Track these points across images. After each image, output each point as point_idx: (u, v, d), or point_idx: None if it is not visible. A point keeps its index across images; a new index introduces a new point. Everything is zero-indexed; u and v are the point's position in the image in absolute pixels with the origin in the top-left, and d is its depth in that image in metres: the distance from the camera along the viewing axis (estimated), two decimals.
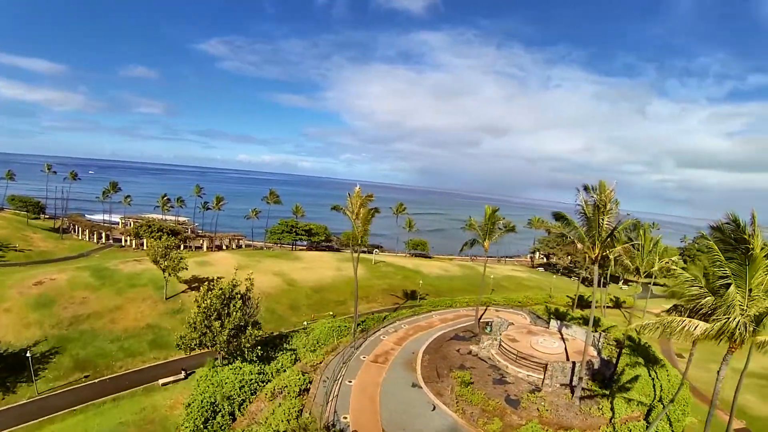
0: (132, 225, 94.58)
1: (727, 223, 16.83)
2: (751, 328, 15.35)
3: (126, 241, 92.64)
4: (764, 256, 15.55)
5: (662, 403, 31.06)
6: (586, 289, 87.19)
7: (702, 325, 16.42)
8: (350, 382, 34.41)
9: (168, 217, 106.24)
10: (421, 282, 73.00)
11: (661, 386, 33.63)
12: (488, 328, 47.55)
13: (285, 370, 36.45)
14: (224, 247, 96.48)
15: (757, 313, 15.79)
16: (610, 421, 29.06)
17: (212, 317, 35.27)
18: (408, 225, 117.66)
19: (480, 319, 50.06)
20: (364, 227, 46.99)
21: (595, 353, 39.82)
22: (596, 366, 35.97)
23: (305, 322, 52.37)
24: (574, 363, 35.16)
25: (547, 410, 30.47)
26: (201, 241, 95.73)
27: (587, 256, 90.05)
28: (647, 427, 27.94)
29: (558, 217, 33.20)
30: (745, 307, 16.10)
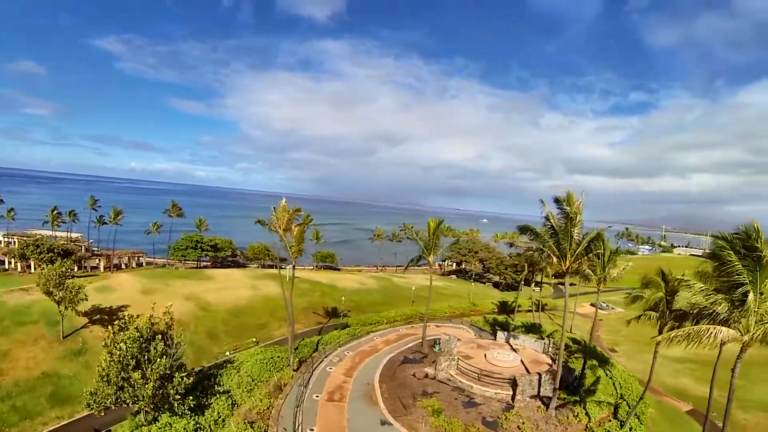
0: (16, 244, 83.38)
1: (736, 234, 19.25)
2: None
3: (10, 263, 79.36)
4: None
5: (624, 400, 34.55)
6: (506, 294, 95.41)
7: (727, 332, 18.37)
8: (312, 430, 30.67)
9: (59, 234, 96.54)
10: (343, 299, 71.86)
11: (620, 384, 37.49)
12: (436, 347, 47.72)
13: (224, 420, 31.04)
14: (123, 266, 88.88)
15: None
16: (587, 427, 31.15)
17: (130, 366, 28.20)
18: (315, 237, 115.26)
19: (424, 337, 50.07)
20: (299, 246, 44.34)
21: (549, 360, 42.83)
22: (561, 374, 38.45)
23: (228, 352, 48.20)
24: (540, 374, 37.08)
25: (528, 427, 31.27)
26: (97, 260, 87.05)
27: (496, 262, 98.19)
28: (621, 425, 30.63)
29: (525, 230, 34.84)
30: (757, 309, 18.49)
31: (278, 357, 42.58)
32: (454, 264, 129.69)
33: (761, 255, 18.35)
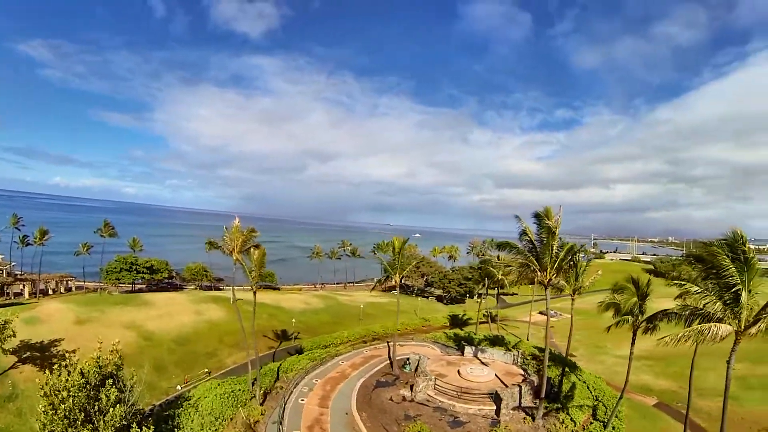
0: None
1: (723, 240, 21.71)
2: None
3: None
4: (758, 260, 20.93)
5: (599, 401, 36.80)
6: (451, 307, 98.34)
7: (725, 328, 20.54)
8: None
9: None
10: (294, 320, 70.31)
11: (592, 386, 39.92)
12: (407, 367, 47.10)
13: None
14: (51, 292, 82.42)
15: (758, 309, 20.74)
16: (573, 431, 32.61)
17: (78, 421, 23.77)
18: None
19: (391, 357, 49.41)
20: (260, 270, 42.27)
21: (521, 371, 44.31)
22: (536, 383, 39.95)
23: (179, 386, 45.27)
24: (520, 386, 38.16)
25: None
26: (21, 286, 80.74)
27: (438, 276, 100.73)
28: (604, 425, 32.46)
29: (504, 245, 36.16)
30: (746, 304, 20.89)
31: (239, 390, 39.50)
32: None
33: (748, 257, 20.90)
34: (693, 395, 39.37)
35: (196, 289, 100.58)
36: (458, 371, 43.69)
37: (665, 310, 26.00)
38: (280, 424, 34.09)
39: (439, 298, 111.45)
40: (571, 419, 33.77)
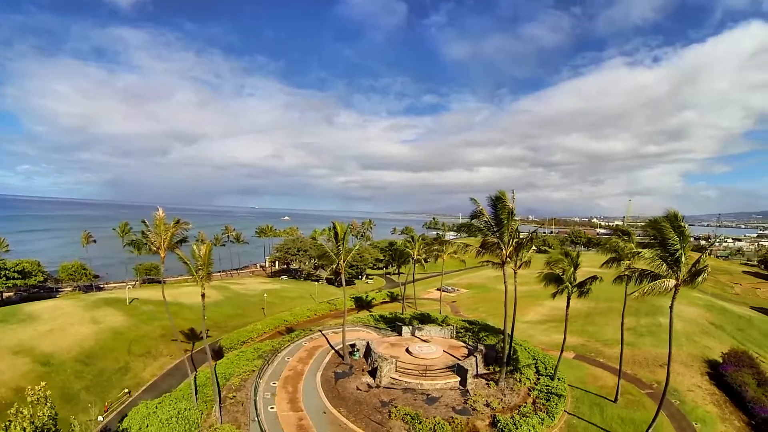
0: None
1: (665, 217, 29.02)
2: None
3: None
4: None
5: (537, 359, 44.12)
6: (348, 289, 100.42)
7: (670, 282, 27.96)
8: None
9: None
10: (205, 318, 64.13)
11: (526, 348, 47.08)
12: (355, 354, 48.02)
13: None
14: None
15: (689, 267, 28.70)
16: (531, 388, 38.81)
17: None
18: (136, 247, 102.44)
19: (335, 346, 49.67)
20: (207, 269, 38.57)
21: (462, 344, 49.43)
22: (485, 351, 45.33)
23: (100, 417, 38.74)
24: (476, 357, 43.03)
25: (495, 402, 36.47)
26: None
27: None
28: (551, 377, 39.54)
29: (466, 226, 39.94)
30: (684, 264, 28.66)
31: (185, 408, 35.47)
32: (276, 263, 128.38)
33: (684, 230, 28.63)
34: (599, 345, 50.30)
35: (75, 291, 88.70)
36: (407, 350, 46.56)
37: (593, 276, 34.04)
38: None
39: (329, 281, 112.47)
40: (527, 377, 40.09)
